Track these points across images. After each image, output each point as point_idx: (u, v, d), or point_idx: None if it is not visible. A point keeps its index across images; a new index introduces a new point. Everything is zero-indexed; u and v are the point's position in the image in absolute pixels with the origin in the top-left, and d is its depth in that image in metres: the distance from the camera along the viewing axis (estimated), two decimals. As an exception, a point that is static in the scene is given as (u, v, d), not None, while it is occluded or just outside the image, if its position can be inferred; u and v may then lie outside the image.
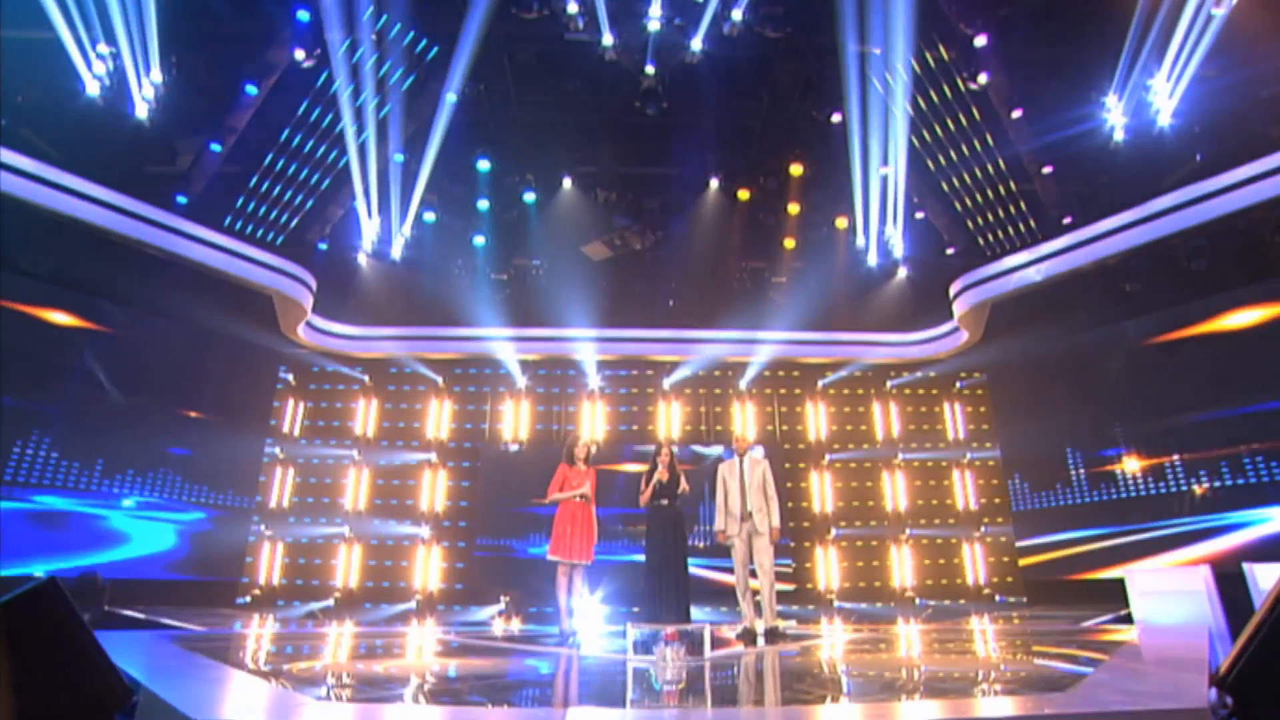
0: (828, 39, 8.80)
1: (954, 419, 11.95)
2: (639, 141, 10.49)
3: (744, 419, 11.98)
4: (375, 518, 11.18)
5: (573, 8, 8.28)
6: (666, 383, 11.99)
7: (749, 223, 11.33)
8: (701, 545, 10.37)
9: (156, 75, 8.30)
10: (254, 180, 9.64)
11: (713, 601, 9.43)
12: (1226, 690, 2.26)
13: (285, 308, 10.10)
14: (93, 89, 8.01)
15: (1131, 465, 9.40)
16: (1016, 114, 9.47)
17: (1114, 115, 8.96)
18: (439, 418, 11.78)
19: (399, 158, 10.00)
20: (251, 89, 9.03)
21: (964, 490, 11.61)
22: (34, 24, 7.52)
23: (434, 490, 11.41)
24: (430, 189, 10.36)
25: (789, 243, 11.59)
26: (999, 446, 11.31)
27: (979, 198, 10.23)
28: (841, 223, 11.34)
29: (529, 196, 11.03)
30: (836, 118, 9.79)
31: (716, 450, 11.43)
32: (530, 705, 3.28)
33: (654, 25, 8.54)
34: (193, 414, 9.79)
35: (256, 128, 9.32)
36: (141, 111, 8.35)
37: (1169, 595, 5.87)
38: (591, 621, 8.22)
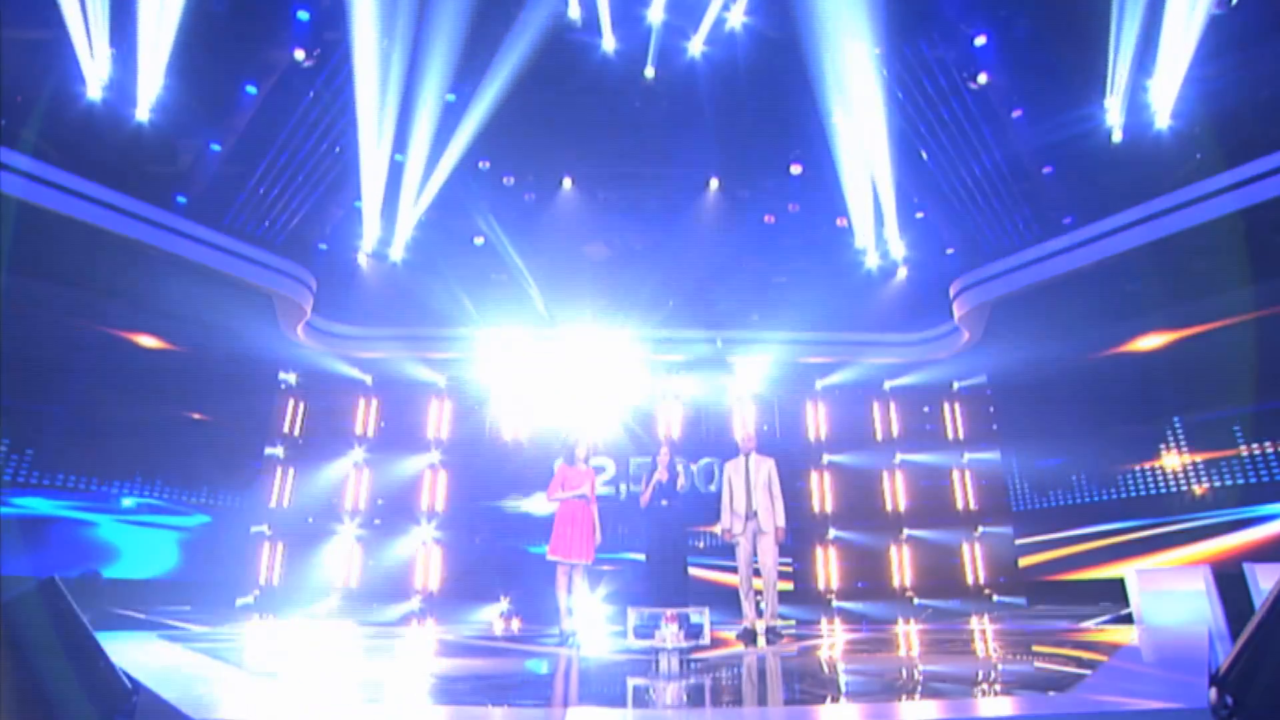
0: (827, 39, 8.80)
1: (953, 419, 11.93)
2: (639, 141, 10.48)
3: (744, 419, 11.97)
4: (375, 518, 11.17)
5: (573, 9, 8.29)
6: (667, 383, 11.98)
7: (749, 223, 11.32)
8: (701, 545, 10.37)
9: (157, 76, 8.31)
10: (254, 180, 9.63)
11: (713, 602, 9.38)
12: (1226, 690, 2.25)
13: (285, 308, 10.09)
14: (93, 89, 8.02)
15: (1131, 464, 9.39)
16: (1016, 114, 9.47)
17: (1114, 115, 8.95)
18: (439, 418, 11.77)
19: (399, 157, 9.99)
20: (251, 89, 9.04)
21: (963, 490, 11.59)
22: (34, 24, 7.52)
23: (434, 490, 11.40)
24: (431, 189, 10.35)
25: (788, 242, 11.58)
26: (999, 446, 11.29)
27: (979, 198, 10.23)
28: (842, 223, 11.34)
29: (529, 196, 11.02)
30: (836, 118, 9.79)
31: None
32: (530, 705, 3.28)
33: (654, 25, 8.56)
34: (194, 415, 9.78)
35: (256, 128, 9.33)
36: (142, 112, 8.36)
37: (1169, 595, 5.86)
38: (591, 621, 8.21)
